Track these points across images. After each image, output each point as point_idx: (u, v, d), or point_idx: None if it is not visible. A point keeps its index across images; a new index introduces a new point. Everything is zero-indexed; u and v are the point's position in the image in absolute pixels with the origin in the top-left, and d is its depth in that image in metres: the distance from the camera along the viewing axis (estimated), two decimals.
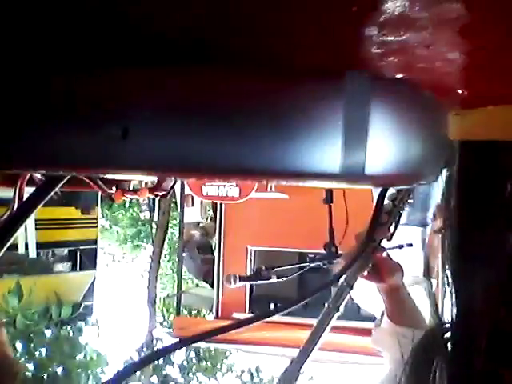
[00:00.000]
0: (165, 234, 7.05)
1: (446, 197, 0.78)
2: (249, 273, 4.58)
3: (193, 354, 7.11)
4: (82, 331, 6.55)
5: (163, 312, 7.65)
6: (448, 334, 0.71)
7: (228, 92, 0.54)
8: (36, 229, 6.07)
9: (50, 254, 7.02)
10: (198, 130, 0.54)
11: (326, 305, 1.03)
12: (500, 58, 0.55)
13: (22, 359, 6.08)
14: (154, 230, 7.06)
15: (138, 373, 6.62)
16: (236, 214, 4.75)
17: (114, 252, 9.32)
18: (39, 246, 6.23)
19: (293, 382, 0.87)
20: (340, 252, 2.31)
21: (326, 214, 2.55)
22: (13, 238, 0.84)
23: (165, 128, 0.54)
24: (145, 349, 6.61)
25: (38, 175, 0.84)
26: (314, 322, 0.88)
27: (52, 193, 0.84)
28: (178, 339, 0.77)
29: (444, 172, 0.68)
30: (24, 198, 0.83)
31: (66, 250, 7.11)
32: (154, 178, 1.07)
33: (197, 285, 7.78)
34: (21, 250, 5.93)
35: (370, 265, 0.99)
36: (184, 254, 5.28)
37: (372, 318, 1.26)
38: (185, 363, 7.04)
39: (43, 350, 6.12)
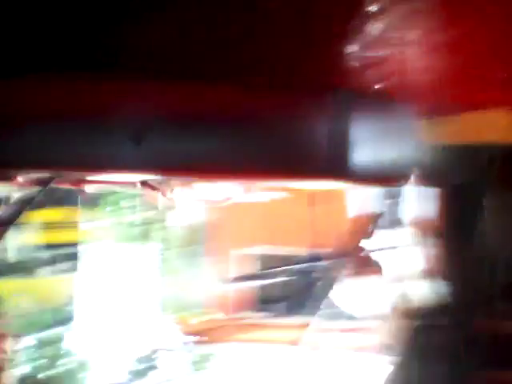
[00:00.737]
0: (170, 232, 6.94)
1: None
2: (251, 273, 4.56)
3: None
4: (63, 337, 6.45)
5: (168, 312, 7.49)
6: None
7: (230, 105, 0.61)
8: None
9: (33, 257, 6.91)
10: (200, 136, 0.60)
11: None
12: (472, 71, 0.59)
13: None
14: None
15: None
16: (230, 216, 4.73)
17: (108, 251, 9.19)
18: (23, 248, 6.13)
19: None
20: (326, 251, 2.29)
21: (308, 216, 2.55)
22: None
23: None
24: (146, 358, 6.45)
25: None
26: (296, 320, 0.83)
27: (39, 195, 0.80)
28: None
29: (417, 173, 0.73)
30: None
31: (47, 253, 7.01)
32: None
33: (202, 284, 7.63)
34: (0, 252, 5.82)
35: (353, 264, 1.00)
36: None
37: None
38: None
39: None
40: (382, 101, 0.52)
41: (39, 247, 6.78)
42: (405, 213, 2.36)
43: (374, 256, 0.99)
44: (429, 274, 1.00)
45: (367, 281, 0.98)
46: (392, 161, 0.51)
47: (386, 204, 0.90)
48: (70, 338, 6.58)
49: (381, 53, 0.40)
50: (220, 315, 4.86)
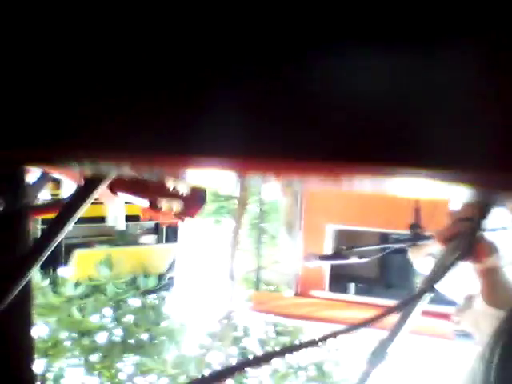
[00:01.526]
0: (245, 209, 7.14)
1: None
2: (328, 252, 4.52)
3: (271, 329, 7.22)
4: (166, 301, 6.90)
5: (243, 286, 7.83)
6: None
7: None
8: (124, 202, 6.40)
9: (138, 227, 7.41)
10: None
11: (419, 285, 0.96)
12: None
13: (112, 325, 6.56)
14: (235, 206, 7.18)
15: (218, 343, 6.87)
16: (316, 192, 4.67)
17: (196, 226, 9.68)
18: (127, 219, 6.57)
19: (379, 363, 0.81)
20: (426, 233, 2.17)
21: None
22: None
23: None
24: (224, 320, 6.82)
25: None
26: (393, 303, 0.80)
27: (95, 193, 0.80)
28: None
29: None
30: None
31: (152, 224, 7.47)
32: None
33: (276, 261, 7.85)
34: (110, 222, 6.29)
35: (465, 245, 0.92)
36: None
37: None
38: (263, 337, 7.18)
39: (130, 317, 6.54)
40: None
41: (144, 218, 7.22)
42: None
43: (488, 238, 0.91)
44: None
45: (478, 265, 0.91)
46: None
47: None
48: (171, 302, 7.05)
49: None
50: (296, 292, 4.85)
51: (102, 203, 1.72)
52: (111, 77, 0.41)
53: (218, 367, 6.77)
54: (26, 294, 0.73)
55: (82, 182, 0.79)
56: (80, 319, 6.24)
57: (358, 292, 5.06)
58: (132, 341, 6.48)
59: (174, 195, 1.14)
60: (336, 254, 2.17)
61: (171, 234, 7.48)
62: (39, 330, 6.10)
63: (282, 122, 0.39)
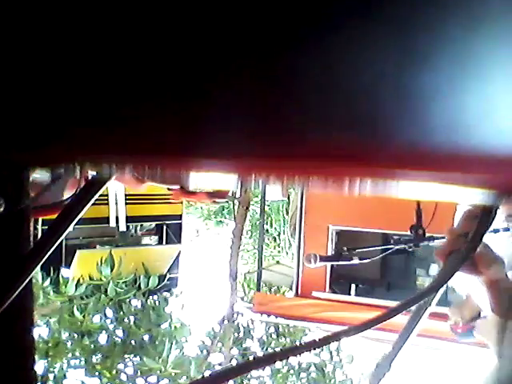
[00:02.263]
0: (247, 210, 7.14)
1: None
2: (330, 253, 4.52)
3: (272, 330, 7.21)
4: (167, 301, 6.90)
5: (244, 287, 7.83)
6: None
7: None
8: (126, 203, 6.42)
9: (139, 228, 7.41)
10: None
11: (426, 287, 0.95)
12: None
13: (112, 325, 6.56)
14: (236, 207, 7.17)
15: (219, 344, 6.86)
16: (318, 192, 4.67)
17: (198, 227, 9.71)
18: (128, 219, 6.58)
19: (381, 378, 0.81)
20: (428, 235, 2.17)
21: None
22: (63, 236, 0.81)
23: None
24: (226, 321, 6.82)
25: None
26: (395, 304, 0.80)
27: (97, 194, 0.80)
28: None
29: None
30: None
31: (153, 224, 7.46)
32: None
33: (277, 262, 7.85)
34: (112, 223, 6.31)
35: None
36: None
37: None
38: (264, 338, 7.17)
39: (131, 318, 6.54)
40: None
41: (145, 218, 7.23)
42: None
43: (487, 250, 0.89)
44: None
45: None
46: None
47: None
48: (173, 302, 7.04)
49: None
50: (297, 293, 4.84)
51: (103, 204, 1.72)
52: (111, 77, 0.40)
53: (219, 368, 6.77)
54: (27, 295, 0.73)
55: (83, 184, 0.79)
56: (81, 319, 6.25)
57: (360, 293, 5.05)
58: (133, 341, 6.47)
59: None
60: (337, 255, 2.16)
61: (172, 235, 7.48)
62: (40, 330, 6.11)
63: (282, 122, 0.38)
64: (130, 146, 0.41)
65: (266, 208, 7.46)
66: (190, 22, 0.38)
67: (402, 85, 0.34)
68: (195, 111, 0.39)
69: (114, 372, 6.38)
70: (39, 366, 5.91)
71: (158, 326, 6.53)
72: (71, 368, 6.35)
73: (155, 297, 6.90)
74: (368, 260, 2.21)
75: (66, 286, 6.20)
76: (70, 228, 0.76)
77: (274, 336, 7.21)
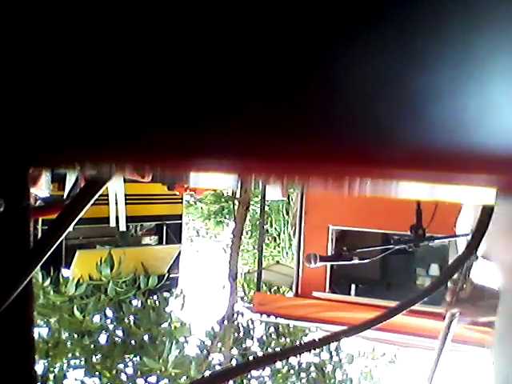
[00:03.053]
0: (247, 210, 7.15)
1: None
2: (330, 253, 4.52)
3: (272, 330, 7.22)
4: (167, 301, 6.90)
5: (244, 287, 7.83)
6: None
7: None
8: (126, 203, 6.42)
9: (139, 228, 7.41)
10: None
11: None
12: None
13: (112, 325, 6.57)
14: (236, 207, 7.18)
15: (219, 344, 6.87)
16: (318, 192, 4.67)
17: (198, 227, 9.72)
18: (128, 219, 6.59)
19: None
20: (428, 235, 2.17)
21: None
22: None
23: None
24: (226, 321, 6.83)
25: None
26: (394, 304, 0.80)
27: (96, 195, 0.79)
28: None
29: None
30: None
31: (153, 224, 7.47)
32: None
33: (277, 262, 7.85)
34: (112, 223, 6.31)
35: None
36: None
37: None
38: (264, 338, 7.18)
39: (131, 318, 6.54)
40: None
41: (145, 218, 7.23)
42: None
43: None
44: None
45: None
46: None
47: None
48: (173, 302, 7.05)
49: None
50: (297, 293, 4.84)
51: (103, 204, 1.72)
52: (111, 77, 0.40)
53: (219, 368, 6.78)
54: (27, 295, 0.73)
55: (83, 183, 0.79)
56: (81, 319, 6.25)
57: (360, 293, 5.05)
58: (133, 341, 6.48)
59: None
60: (337, 255, 2.16)
61: (172, 235, 7.48)
62: (40, 331, 6.11)
63: (281, 122, 0.38)
64: (130, 146, 0.41)
65: (266, 208, 7.46)
66: (187, 21, 0.38)
67: (402, 85, 0.34)
68: (195, 111, 0.39)
69: (113, 372, 6.38)
70: (39, 366, 5.91)
71: (157, 326, 6.53)
72: (71, 368, 6.35)
73: (155, 297, 6.90)
74: (368, 260, 2.22)
75: (65, 286, 6.20)
76: (70, 228, 0.76)
77: (274, 336, 7.21)
